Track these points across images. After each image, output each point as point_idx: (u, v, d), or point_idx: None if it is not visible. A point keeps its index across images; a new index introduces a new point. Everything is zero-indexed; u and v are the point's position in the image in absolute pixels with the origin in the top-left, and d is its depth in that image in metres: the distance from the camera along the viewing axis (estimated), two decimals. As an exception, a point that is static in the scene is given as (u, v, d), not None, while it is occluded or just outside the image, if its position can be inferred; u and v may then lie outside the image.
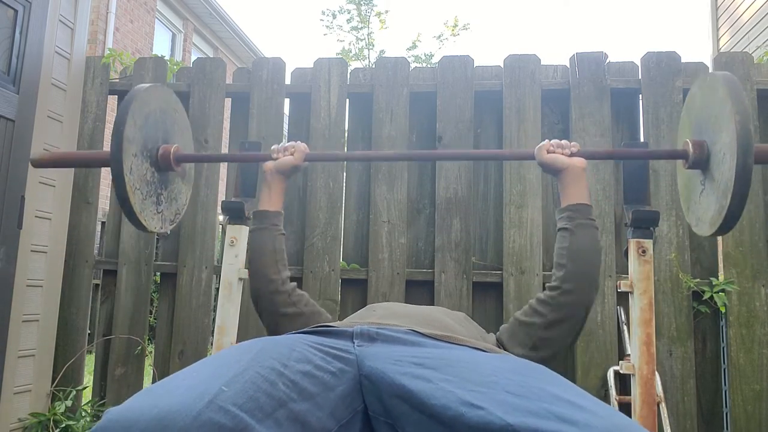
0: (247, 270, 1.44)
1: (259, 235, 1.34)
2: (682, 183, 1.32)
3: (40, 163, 1.29)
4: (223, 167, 2.47)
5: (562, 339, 1.15)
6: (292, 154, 1.32)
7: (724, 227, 1.03)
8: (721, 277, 1.90)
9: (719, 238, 1.96)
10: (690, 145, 1.14)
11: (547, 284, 1.20)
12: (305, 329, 0.99)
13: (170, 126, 1.35)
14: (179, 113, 1.41)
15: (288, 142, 1.36)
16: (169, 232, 1.35)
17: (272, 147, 1.35)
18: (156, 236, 2.19)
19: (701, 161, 1.13)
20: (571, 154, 1.21)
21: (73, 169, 2.13)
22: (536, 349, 1.14)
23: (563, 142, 1.23)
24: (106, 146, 2.36)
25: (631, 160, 1.34)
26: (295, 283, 1.34)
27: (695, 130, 1.19)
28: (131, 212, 1.17)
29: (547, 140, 1.24)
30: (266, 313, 1.31)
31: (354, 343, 0.90)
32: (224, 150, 2.24)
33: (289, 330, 1.19)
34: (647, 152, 1.28)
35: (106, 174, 2.78)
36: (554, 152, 1.22)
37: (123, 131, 1.14)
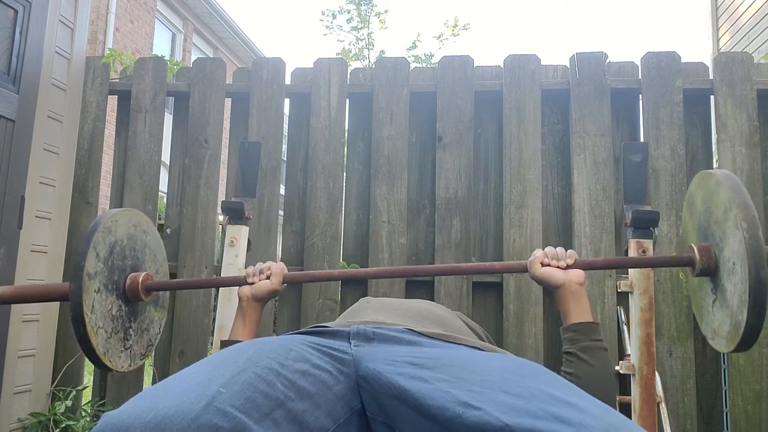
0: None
1: None
2: (692, 288, 1.21)
3: (1, 299, 1.17)
4: (223, 167, 2.47)
5: None
6: (268, 278, 1.21)
7: (744, 344, 0.93)
8: (721, 277, 1.90)
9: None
10: (696, 250, 1.04)
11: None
12: (301, 330, 0.99)
13: (140, 251, 1.23)
14: (150, 234, 1.29)
15: (262, 263, 1.25)
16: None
17: (247, 270, 1.24)
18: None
19: (709, 270, 1.03)
20: (567, 267, 1.12)
21: (73, 169, 2.13)
22: None
23: (558, 251, 1.14)
24: (106, 147, 2.37)
25: (626, 267, 1.17)
26: None
27: (699, 232, 1.10)
28: (93, 356, 1.05)
29: (540, 250, 1.15)
30: None
31: (351, 343, 0.90)
32: (224, 150, 2.24)
33: None
34: (651, 260, 1.18)
35: (106, 174, 2.77)
36: (548, 264, 1.12)
37: (83, 266, 1.03)
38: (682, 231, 1.21)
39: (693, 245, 1.06)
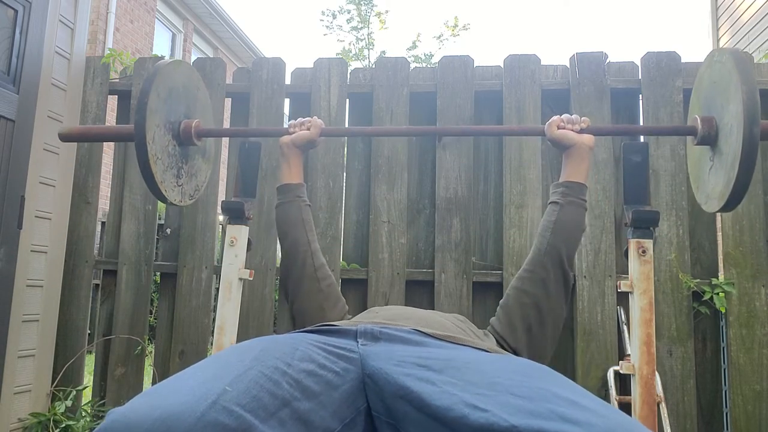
0: (247, 270, 1.44)
1: (286, 208, 1.37)
2: (691, 162, 1.33)
3: (67, 137, 1.33)
4: (223, 167, 2.47)
5: (553, 312, 1.20)
6: (308, 129, 1.35)
7: (733, 200, 1.03)
8: (721, 277, 1.90)
9: (719, 238, 1.96)
10: (699, 121, 1.15)
11: (527, 258, 1.26)
12: (308, 328, 0.99)
13: (192, 102, 1.36)
14: (201, 91, 1.42)
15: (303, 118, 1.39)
16: (190, 201, 1.37)
17: (289, 122, 1.39)
18: (156, 236, 2.19)
19: (710, 136, 1.13)
20: (581, 131, 1.24)
21: (73, 169, 2.13)
22: (530, 330, 1.19)
23: (573, 117, 1.25)
24: (106, 147, 2.37)
25: (639, 134, 1.34)
26: (324, 261, 1.37)
27: (704, 107, 1.20)
28: (152, 180, 1.17)
29: (557, 116, 1.27)
30: (293, 280, 1.33)
31: (358, 342, 0.90)
32: (224, 150, 2.24)
33: (304, 306, 1.27)
34: (656, 128, 1.29)
35: (106, 174, 2.78)
36: (564, 128, 1.24)
37: (147, 102, 1.15)
38: (689, 111, 1.32)
39: (696, 116, 1.16)
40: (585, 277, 1.92)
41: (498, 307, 1.27)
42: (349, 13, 7.87)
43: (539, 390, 0.68)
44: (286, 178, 1.38)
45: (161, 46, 9.04)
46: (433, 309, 1.69)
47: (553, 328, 1.21)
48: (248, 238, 1.47)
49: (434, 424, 0.70)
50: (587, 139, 1.23)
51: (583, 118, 1.25)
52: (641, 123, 2.04)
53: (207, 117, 1.46)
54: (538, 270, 1.21)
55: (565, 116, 1.26)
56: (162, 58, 2.25)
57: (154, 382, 2.11)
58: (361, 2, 7.70)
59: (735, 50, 1.06)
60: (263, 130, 1.45)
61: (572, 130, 1.24)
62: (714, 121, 1.13)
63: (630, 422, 0.62)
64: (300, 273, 1.32)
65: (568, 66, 2.06)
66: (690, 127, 1.17)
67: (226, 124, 2.25)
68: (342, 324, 0.98)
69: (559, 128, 1.24)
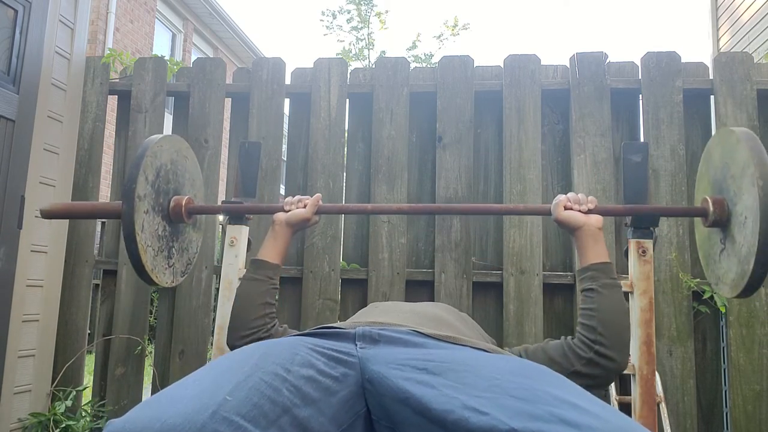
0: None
1: (251, 285, 1.26)
2: (700, 238, 1.29)
3: (49, 214, 1.27)
4: (223, 167, 2.47)
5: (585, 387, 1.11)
6: (304, 206, 1.32)
7: (747, 291, 1.02)
8: (721, 277, 1.90)
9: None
10: (710, 203, 1.11)
11: (577, 334, 1.12)
12: (307, 331, 0.99)
13: (181, 175, 1.33)
14: (189, 160, 1.38)
15: (301, 195, 1.38)
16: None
17: (286, 199, 1.36)
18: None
19: (721, 221, 1.10)
20: (588, 211, 1.21)
21: (73, 169, 2.13)
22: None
23: (580, 196, 1.23)
24: (106, 147, 2.37)
25: (646, 214, 1.25)
26: (276, 325, 1.27)
27: (714, 185, 1.16)
28: (143, 271, 1.15)
29: (563, 195, 1.24)
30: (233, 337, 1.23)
31: (356, 345, 0.89)
32: (224, 150, 2.24)
33: None
34: (664, 209, 1.27)
35: (105, 174, 2.78)
36: (571, 208, 1.21)
37: (135, 189, 1.12)
38: (697, 181, 1.30)
39: (707, 197, 1.13)
40: (585, 277, 1.92)
41: (540, 348, 1.16)
42: (349, 13, 7.86)
43: (539, 392, 0.67)
44: (266, 254, 1.29)
45: (161, 46, 9.04)
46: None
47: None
48: (248, 238, 1.47)
49: (434, 428, 0.69)
50: (595, 220, 1.19)
51: (589, 198, 1.23)
52: (641, 123, 2.04)
53: (197, 186, 1.42)
54: (572, 360, 1.09)
55: (571, 195, 1.23)
56: (162, 58, 2.25)
57: (154, 382, 2.11)
58: (361, 2, 7.70)
59: (748, 133, 1.03)
60: (258, 208, 1.41)
61: (579, 211, 1.20)
62: (726, 204, 1.09)
63: (630, 425, 0.62)
64: (243, 336, 1.22)
65: (568, 66, 2.06)
66: (701, 209, 1.14)
67: (226, 125, 2.25)
68: (341, 326, 0.98)
69: (566, 209, 1.21)
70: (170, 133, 1.31)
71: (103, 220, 2.73)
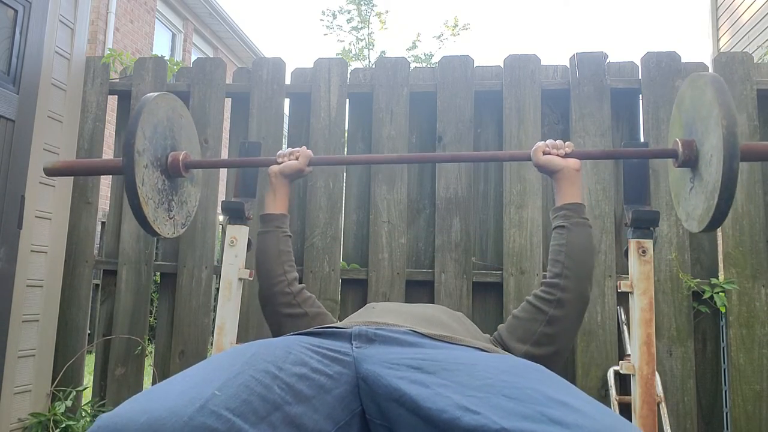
0: (247, 270, 1.45)
1: (264, 237, 1.37)
2: (673, 178, 1.36)
3: (53, 171, 1.32)
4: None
5: (564, 334, 1.17)
6: (296, 159, 1.35)
7: (712, 225, 1.08)
8: (721, 277, 1.90)
9: (719, 238, 1.96)
10: (680, 144, 1.17)
11: (543, 281, 1.23)
12: (303, 331, 0.99)
13: (177, 132, 1.37)
14: (185, 119, 1.42)
15: (293, 148, 1.40)
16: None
17: (278, 152, 1.40)
18: (156, 236, 2.19)
19: (690, 161, 1.16)
20: (566, 155, 1.25)
21: (73, 169, 2.13)
22: (539, 345, 1.16)
23: (558, 142, 1.27)
24: (106, 147, 2.37)
25: (624, 159, 1.37)
26: (303, 285, 1.37)
27: (686, 128, 1.22)
28: (145, 222, 1.20)
29: (541, 141, 1.28)
30: (270, 313, 1.32)
31: (352, 344, 0.90)
32: (224, 150, 2.24)
33: (292, 331, 1.20)
34: (638, 151, 1.30)
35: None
36: (550, 153, 1.26)
37: (134, 144, 1.17)
38: (670, 126, 1.35)
39: (677, 139, 1.19)
40: (585, 277, 1.92)
41: (510, 316, 1.25)
42: (349, 13, 7.86)
43: (531, 391, 0.68)
44: (269, 207, 1.39)
45: (161, 46, 9.04)
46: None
47: (566, 344, 1.19)
48: (248, 238, 1.47)
49: (427, 427, 0.70)
50: (573, 163, 1.24)
51: (567, 143, 1.27)
52: (641, 123, 2.04)
53: (193, 144, 1.46)
54: (555, 291, 1.18)
55: (549, 141, 1.27)
56: (162, 58, 2.25)
57: (154, 382, 2.11)
58: (361, 2, 7.69)
59: (715, 77, 1.08)
60: (252, 161, 1.46)
61: (557, 155, 1.25)
62: (694, 144, 1.15)
63: (620, 424, 0.62)
64: (276, 309, 1.32)
65: (568, 66, 2.06)
66: (671, 150, 1.19)
67: (226, 125, 2.25)
68: (337, 326, 0.98)
69: (544, 154, 1.26)
70: (164, 92, 1.34)
71: (103, 220, 2.73)
